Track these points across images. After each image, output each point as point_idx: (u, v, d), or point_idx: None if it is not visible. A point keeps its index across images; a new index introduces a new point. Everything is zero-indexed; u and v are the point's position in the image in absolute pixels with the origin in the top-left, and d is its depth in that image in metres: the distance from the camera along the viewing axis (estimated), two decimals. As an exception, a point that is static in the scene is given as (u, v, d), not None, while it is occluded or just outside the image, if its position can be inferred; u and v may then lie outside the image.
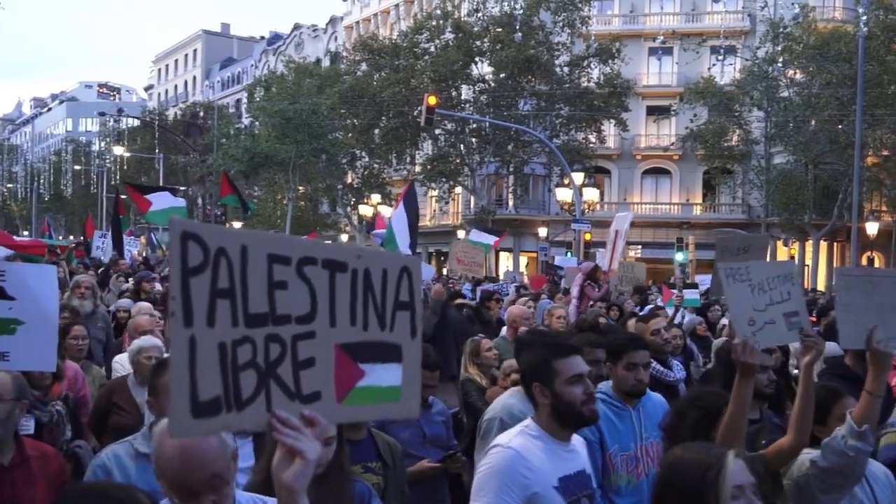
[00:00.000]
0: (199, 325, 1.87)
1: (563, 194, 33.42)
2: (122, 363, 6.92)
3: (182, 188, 61.70)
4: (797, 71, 38.04)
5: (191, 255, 1.87)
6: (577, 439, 3.71)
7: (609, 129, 43.79)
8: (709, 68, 41.76)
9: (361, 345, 2.24)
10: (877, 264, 44.21)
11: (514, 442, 3.45)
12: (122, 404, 5.89)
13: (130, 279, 14.44)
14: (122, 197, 26.50)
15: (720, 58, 41.13)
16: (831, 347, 5.66)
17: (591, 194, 34.47)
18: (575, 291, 12.63)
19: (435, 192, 44.71)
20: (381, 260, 2.33)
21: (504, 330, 9.17)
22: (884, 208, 40.86)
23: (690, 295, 13.43)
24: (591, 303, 12.11)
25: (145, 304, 8.90)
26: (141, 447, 3.69)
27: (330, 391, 2.15)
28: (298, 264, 2.08)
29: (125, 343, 7.76)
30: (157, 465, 2.67)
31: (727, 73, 41.63)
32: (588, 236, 30.85)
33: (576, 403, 3.50)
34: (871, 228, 36.34)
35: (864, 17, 29.12)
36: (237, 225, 52.37)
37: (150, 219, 19.75)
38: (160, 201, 19.26)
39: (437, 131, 41.10)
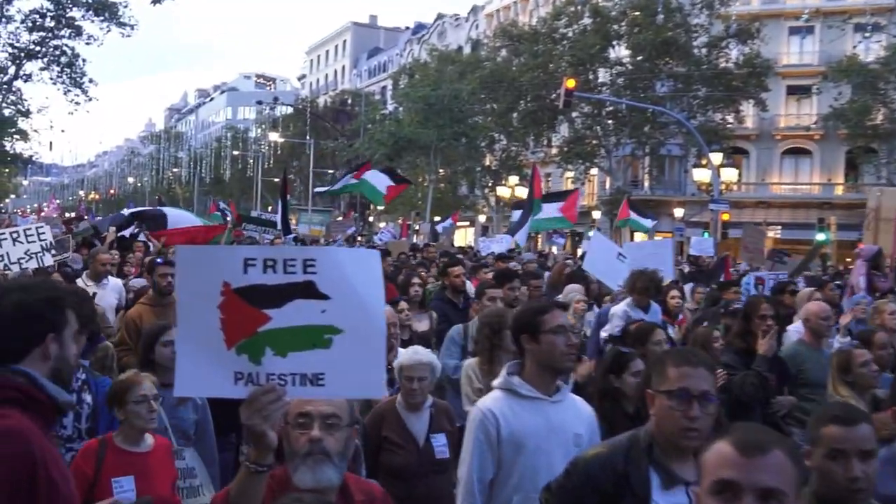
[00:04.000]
0: None
1: (701, 175, 33.12)
2: None
3: (330, 171, 63.89)
4: (949, 46, 36.32)
5: None
6: None
7: (747, 109, 42.88)
8: (854, 46, 40.16)
9: None
10: None
11: None
12: (395, 437, 4.86)
13: None
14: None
15: (867, 34, 39.52)
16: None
17: (729, 174, 33.59)
18: (862, 282, 10.10)
19: (571, 174, 44.76)
20: None
21: (797, 328, 7.37)
22: None
23: None
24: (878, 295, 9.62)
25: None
26: None
27: None
28: None
29: None
30: None
31: (872, 50, 39.93)
32: (726, 216, 30.48)
33: None
34: None
35: None
36: (382, 206, 53.98)
37: (355, 188, 20.52)
38: (374, 177, 20.08)
39: (574, 114, 41.14)
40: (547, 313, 3.91)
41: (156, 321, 6.94)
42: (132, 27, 33.53)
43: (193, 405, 5.13)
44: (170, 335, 5.04)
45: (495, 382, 3.99)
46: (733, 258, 19.80)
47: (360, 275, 2.72)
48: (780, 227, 44.39)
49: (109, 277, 10.14)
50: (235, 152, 79.89)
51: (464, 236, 52.56)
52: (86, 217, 28.19)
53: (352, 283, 2.69)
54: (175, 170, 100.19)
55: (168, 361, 4.89)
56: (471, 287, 10.04)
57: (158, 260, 9.01)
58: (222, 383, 2.64)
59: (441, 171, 49.54)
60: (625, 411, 4.65)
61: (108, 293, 9.65)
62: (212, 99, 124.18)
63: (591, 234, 23.85)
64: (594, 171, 45.77)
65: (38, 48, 34.16)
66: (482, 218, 53.67)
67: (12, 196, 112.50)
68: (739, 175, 43.05)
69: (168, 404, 4.82)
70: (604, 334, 8.18)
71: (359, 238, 31.74)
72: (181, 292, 2.67)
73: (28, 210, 75.11)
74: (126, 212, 20.04)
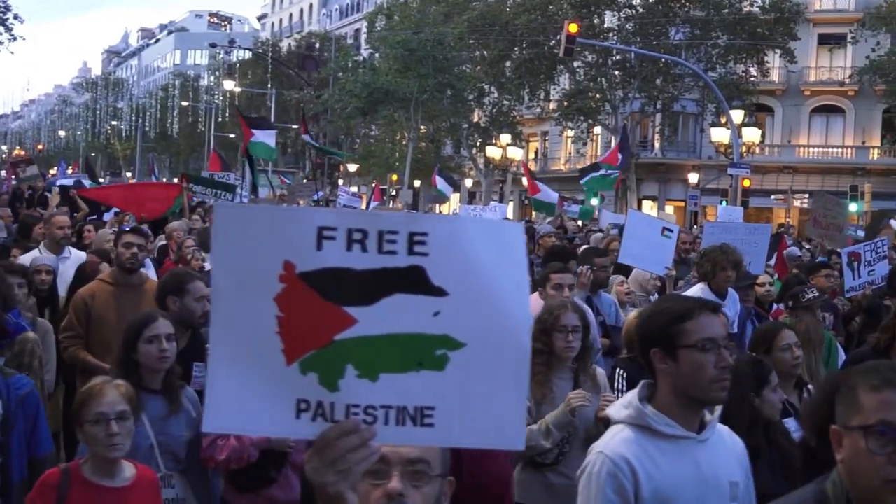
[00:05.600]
0: None
1: (719, 135, 33.61)
2: None
3: (294, 126, 63.30)
4: None
5: None
6: None
7: (773, 60, 43.14)
8: (896, -10, 40.18)
9: None
10: None
11: None
12: None
13: None
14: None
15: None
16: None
17: (751, 135, 34.14)
18: None
19: (571, 133, 44.78)
20: None
21: None
22: None
23: None
24: None
25: None
26: None
27: None
28: None
29: None
30: None
31: (917, -6, 40.31)
32: (747, 183, 30.86)
33: None
34: None
35: None
36: (353, 167, 53.59)
37: (251, 149, 21.42)
38: (262, 136, 21.44)
39: (576, 64, 41.53)
40: (690, 319, 3.18)
41: (114, 305, 6.78)
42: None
43: (188, 419, 4.71)
44: (156, 328, 4.71)
45: (622, 414, 3.32)
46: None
47: (495, 260, 2.06)
48: (807, 196, 44.61)
49: (71, 248, 9.55)
50: (185, 103, 79.89)
51: (447, 204, 52.32)
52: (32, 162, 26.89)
53: (482, 271, 2.05)
54: (114, 122, 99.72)
55: (155, 362, 4.69)
56: None
57: (125, 227, 8.70)
58: (277, 416, 2.02)
59: (422, 127, 49.41)
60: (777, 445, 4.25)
61: (70, 268, 8.89)
62: (157, 40, 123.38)
63: (595, 203, 23.54)
64: (598, 129, 45.86)
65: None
66: (469, 182, 53.41)
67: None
68: (763, 136, 43.50)
69: (155, 416, 4.57)
70: None
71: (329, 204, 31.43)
72: (217, 275, 2.03)
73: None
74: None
